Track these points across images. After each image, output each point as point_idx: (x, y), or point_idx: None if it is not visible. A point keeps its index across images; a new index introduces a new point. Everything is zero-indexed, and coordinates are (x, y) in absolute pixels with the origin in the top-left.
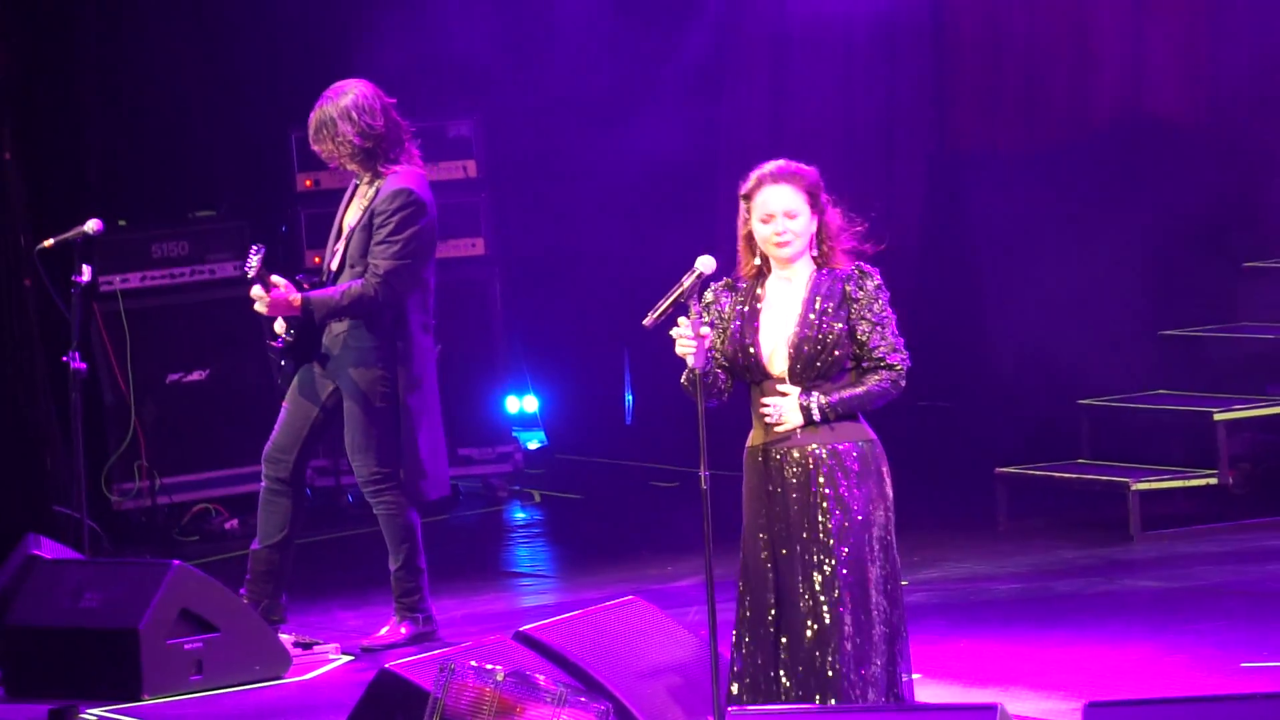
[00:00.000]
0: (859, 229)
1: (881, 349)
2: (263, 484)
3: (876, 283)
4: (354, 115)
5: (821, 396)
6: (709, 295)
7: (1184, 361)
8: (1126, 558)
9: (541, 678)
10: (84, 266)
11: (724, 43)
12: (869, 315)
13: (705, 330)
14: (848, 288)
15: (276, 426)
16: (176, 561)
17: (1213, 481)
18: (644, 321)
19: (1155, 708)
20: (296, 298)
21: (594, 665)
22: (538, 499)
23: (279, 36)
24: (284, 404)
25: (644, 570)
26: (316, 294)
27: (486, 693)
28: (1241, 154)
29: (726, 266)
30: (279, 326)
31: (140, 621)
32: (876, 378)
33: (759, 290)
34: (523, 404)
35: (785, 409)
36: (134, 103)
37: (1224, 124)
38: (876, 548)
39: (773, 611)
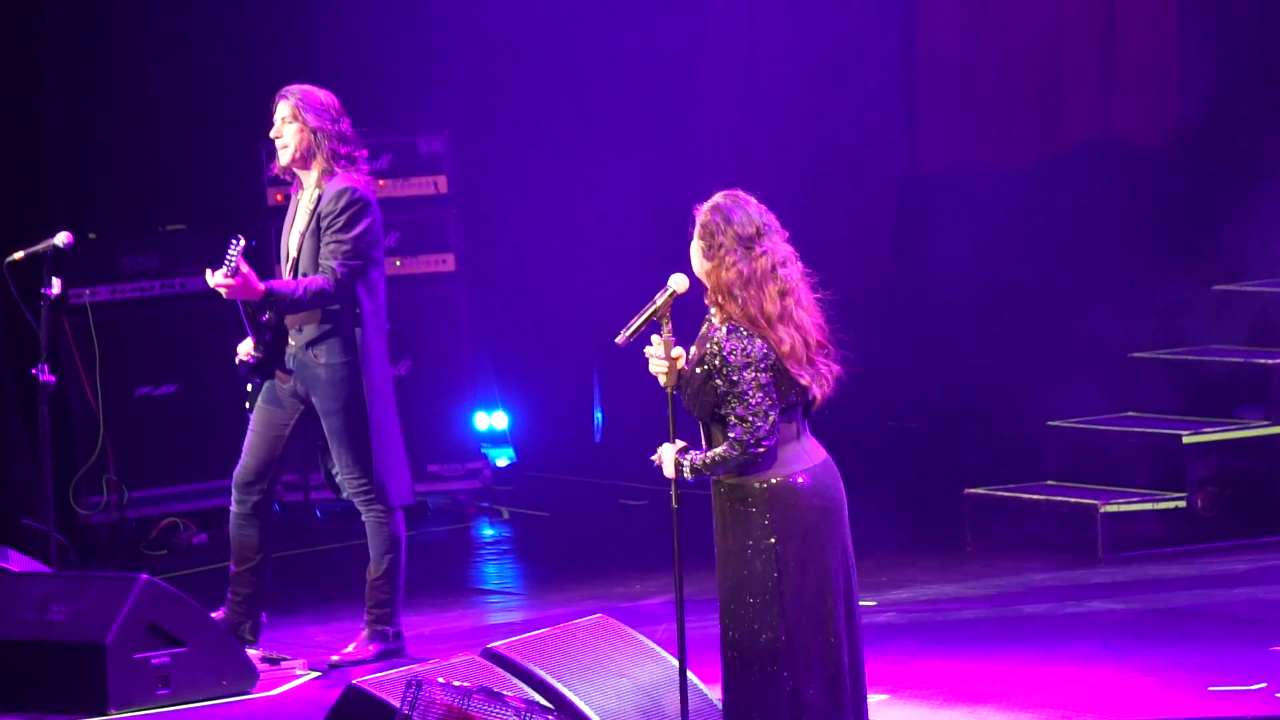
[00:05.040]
0: (738, 296)
1: (731, 418)
2: (233, 508)
3: (723, 351)
4: (316, 106)
5: (694, 456)
6: None
7: (1153, 384)
8: (1094, 579)
9: (509, 695)
10: (53, 279)
11: (693, 64)
12: (719, 381)
13: (677, 350)
14: (707, 347)
15: (245, 451)
16: (144, 575)
17: (1181, 504)
18: (617, 339)
19: None
20: (260, 286)
21: (562, 683)
22: (506, 516)
23: (248, 51)
24: (250, 427)
25: (612, 588)
26: (279, 285)
27: (454, 709)
28: (1210, 177)
29: (699, 285)
30: (246, 346)
31: (107, 635)
32: (730, 445)
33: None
34: (492, 420)
35: (664, 457)
36: (103, 115)
37: (1193, 147)
38: (746, 597)
39: None
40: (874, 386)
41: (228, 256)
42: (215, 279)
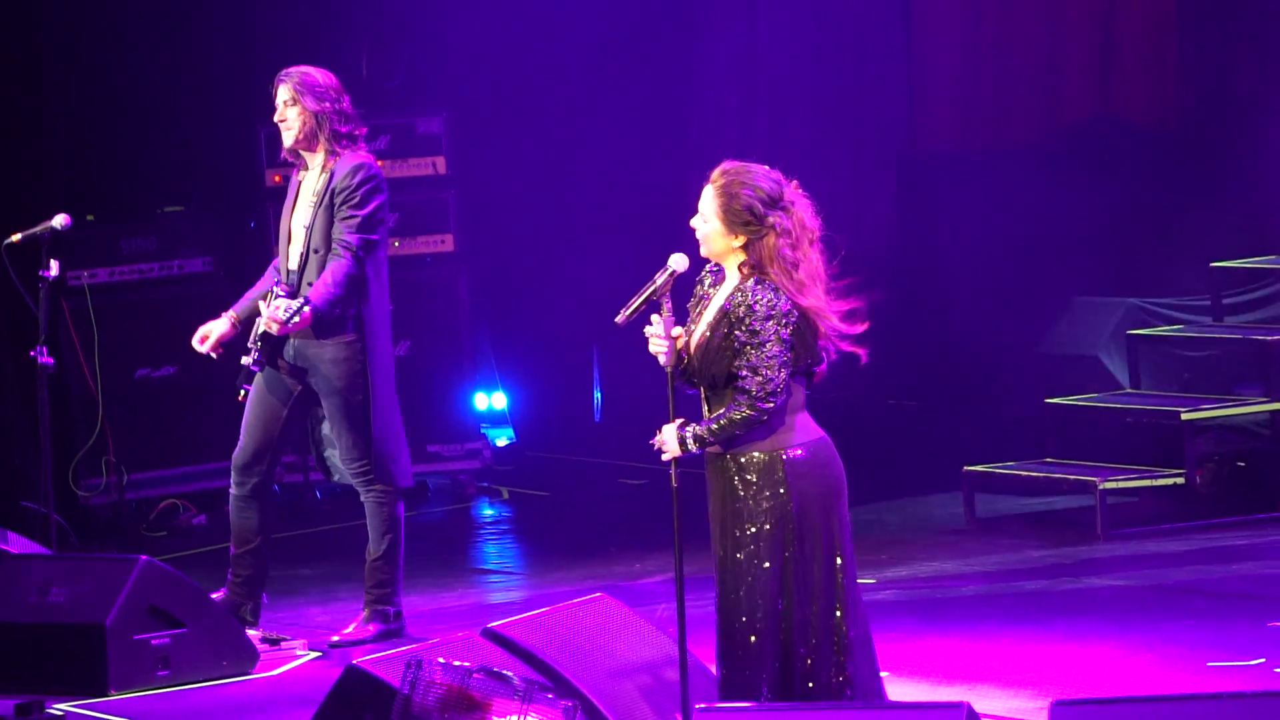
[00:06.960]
0: (798, 267)
1: (743, 370)
2: (233, 491)
3: (749, 301)
4: (316, 87)
5: (697, 427)
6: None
7: (1152, 361)
8: (1093, 557)
9: (509, 674)
10: (52, 261)
11: (693, 42)
12: (739, 333)
13: (677, 330)
14: (733, 301)
15: (243, 433)
16: (144, 557)
17: (1179, 481)
18: (616, 319)
19: (1122, 706)
20: (307, 309)
21: (562, 662)
22: (506, 496)
23: (248, 33)
24: (247, 409)
25: (612, 567)
26: (317, 297)
27: (454, 689)
28: (1208, 154)
29: (699, 264)
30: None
31: (107, 617)
32: (735, 405)
33: (716, 287)
34: (491, 401)
35: (666, 438)
36: (102, 98)
37: (1192, 124)
38: (759, 561)
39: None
40: (873, 364)
41: (286, 307)
42: (275, 317)
